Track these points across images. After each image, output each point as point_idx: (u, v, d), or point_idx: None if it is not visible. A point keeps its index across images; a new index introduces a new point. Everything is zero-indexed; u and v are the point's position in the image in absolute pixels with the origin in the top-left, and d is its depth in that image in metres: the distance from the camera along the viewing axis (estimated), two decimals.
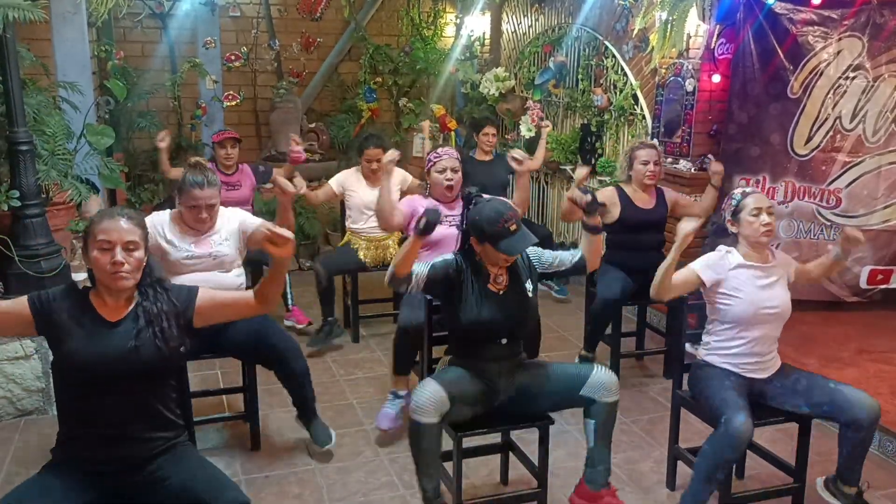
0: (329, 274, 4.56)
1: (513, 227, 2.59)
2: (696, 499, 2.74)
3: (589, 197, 2.80)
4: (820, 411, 2.80)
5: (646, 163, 4.06)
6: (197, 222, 3.21)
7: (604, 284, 4.04)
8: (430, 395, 2.57)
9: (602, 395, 2.69)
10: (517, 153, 3.59)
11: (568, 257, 2.87)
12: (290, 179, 5.33)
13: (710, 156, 4.56)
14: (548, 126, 5.55)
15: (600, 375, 2.71)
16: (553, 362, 2.88)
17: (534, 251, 2.85)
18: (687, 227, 2.72)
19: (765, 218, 2.83)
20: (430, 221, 2.54)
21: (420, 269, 2.66)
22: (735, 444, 2.63)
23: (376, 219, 3.85)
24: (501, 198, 3.16)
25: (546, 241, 5.38)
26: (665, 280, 2.83)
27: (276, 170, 5.12)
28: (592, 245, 2.86)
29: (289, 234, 2.19)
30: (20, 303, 2.17)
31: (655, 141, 4.93)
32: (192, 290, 2.32)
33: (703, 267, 2.90)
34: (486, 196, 2.81)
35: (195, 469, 2.22)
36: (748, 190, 2.95)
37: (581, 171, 3.81)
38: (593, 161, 5.73)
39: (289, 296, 4.79)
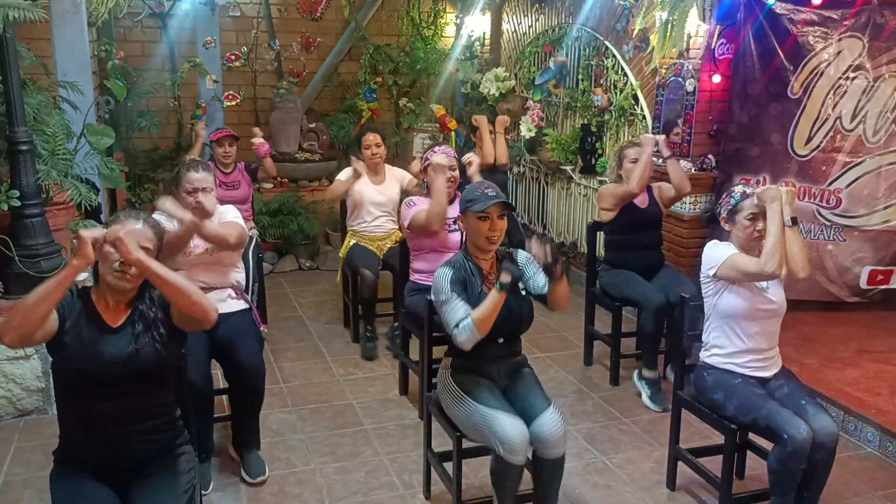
0: (376, 278, 4.46)
1: (490, 192, 2.63)
2: None
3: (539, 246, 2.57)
4: None
5: (634, 161, 4.06)
6: (195, 210, 3.21)
7: (640, 294, 3.94)
8: (518, 433, 2.45)
9: (539, 446, 2.53)
10: (467, 157, 4.21)
11: (540, 282, 2.72)
12: (270, 176, 5.33)
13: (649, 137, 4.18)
14: (504, 120, 5.42)
15: (544, 422, 2.51)
16: (535, 384, 2.73)
17: (524, 256, 2.83)
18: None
19: (760, 224, 2.81)
20: (515, 277, 2.48)
21: (450, 286, 2.61)
22: (803, 454, 2.61)
23: (427, 220, 3.68)
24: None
25: (519, 247, 5.35)
26: (783, 250, 2.73)
27: (261, 169, 5.14)
28: (555, 292, 2.64)
29: (119, 238, 2.06)
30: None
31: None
32: None
33: (727, 248, 2.87)
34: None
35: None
36: (748, 191, 2.88)
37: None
38: (593, 161, 5.73)
39: (253, 294, 4.50)
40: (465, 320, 2.53)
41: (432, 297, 2.67)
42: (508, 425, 2.48)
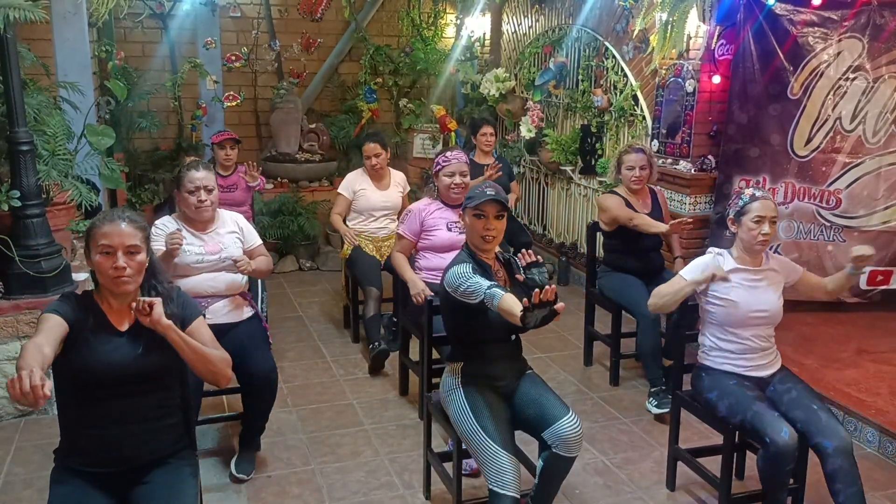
0: (381, 292, 4.43)
1: (488, 191, 2.69)
2: None
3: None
4: (795, 427, 2.75)
5: (631, 168, 4.06)
6: (198, 209, 3.22)
7: (634, 304, 3.90)
8: (511, 470, 2.46)
9: (558, 446, 2.55)
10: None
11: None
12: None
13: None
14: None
15: (566, 426, 2.55)
16: (548, 389, 2.74)
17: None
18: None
19: (765, 228, 2.81)
20: (541, 320, 2.37)
21: (472, 271, 2.60)
22: (788, 457, 2.62)
23: (393, 253, 3.94)
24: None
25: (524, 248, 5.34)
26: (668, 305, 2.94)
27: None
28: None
29: (152, 302, 2.08)
30: (51, 321, 2.07)
31: (655, 143, 4.94)
32: (195, 311, 2.31)
33: (693, 272, 2.91)
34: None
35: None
36: (758, 194, 2.87)
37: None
38: (593, 162, 5.74)
39: (260, 307, 4.28)
40: (498, 289, 2.47)
41: (451, 285, 2.63)
42: (502, 461, 2.48)
